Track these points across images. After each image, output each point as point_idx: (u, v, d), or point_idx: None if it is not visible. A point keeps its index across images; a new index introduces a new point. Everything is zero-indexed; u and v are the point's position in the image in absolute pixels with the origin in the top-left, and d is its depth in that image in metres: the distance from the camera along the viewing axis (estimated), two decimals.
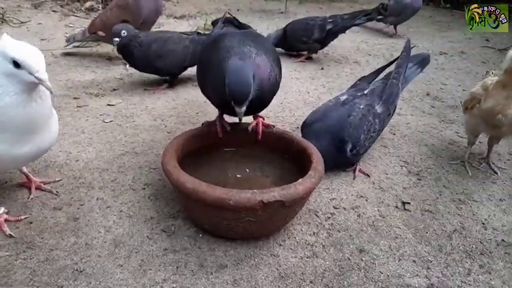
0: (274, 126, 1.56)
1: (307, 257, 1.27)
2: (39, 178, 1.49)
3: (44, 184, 1.47)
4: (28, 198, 1.40)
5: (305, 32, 3.04)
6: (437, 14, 5.50)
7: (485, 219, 1.52)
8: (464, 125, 1.88)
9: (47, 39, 3.05)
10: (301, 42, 3.10)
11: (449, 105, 2.55)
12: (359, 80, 2.05)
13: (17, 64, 1.04)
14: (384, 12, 3.98)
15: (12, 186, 1.47)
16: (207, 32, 2.96)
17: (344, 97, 1.83)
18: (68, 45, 2.75)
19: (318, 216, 1.46)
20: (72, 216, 1.35)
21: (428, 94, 2.69)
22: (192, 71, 2.58)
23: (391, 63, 2.06)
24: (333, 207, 1.52)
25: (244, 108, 1.22)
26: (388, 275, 1.23)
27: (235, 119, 1.39)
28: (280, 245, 1.31)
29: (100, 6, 3.81)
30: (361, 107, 1.73)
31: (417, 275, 1.24)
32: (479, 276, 1.26)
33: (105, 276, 1.13)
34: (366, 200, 1.58)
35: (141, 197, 1.48)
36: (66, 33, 3.16)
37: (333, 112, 1.73)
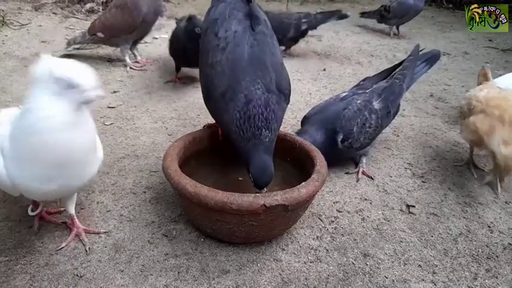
0: None
1: (310, 262, 1.25)
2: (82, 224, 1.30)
3: (87, 232, 1.28)
4: (59, 248, 1.21)
5: (280, 30, 2.98)
6: (440, 15, 5.48)
7: (491, 222, 1.50)
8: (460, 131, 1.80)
9: (47, 41, 3.04)
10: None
11: (453, 106, 2.52)
12: (363, 80, 2.03)
13: (66, 84, 0.95)
14: (386, 14, 3.96)
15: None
16: None
17: (344, 94, 1.84)
18: (68, 48, 2.73)
19: (321, 219, 1.44)
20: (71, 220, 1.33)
21: (431, 95, 2.67)
22: (193, 72, 2.57)
23: (397, 66, 2.03)
24: (337, 210, 1.49)
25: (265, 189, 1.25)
26: (393, 280, 1.21)
27: None
28: (283, 249, 1.29)
29: (100, 8, 3.80)
30: (358, 101, 1.73)
31: (423, 280, 1.21)
32: (486, 280, 1.23)
33: (106, 281, 1.11)
34: (370, 203, 1.55)
35: (142, 201, 1.46)
36: (67, 35, 3.15)
37: (331, 106, 1.77)
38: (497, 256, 1.33)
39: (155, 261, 1.19)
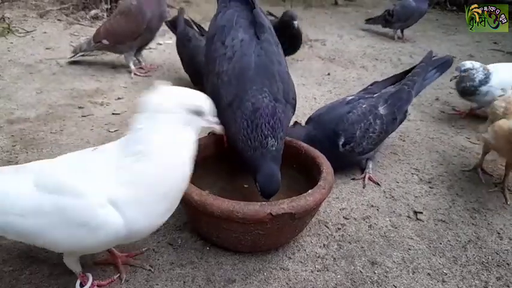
0: None
1: (317, 271, 1.23)
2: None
3: (130, 257, 1.21)
4: (121, 280, 1.14)
5: None
6: (444, 17, 5.45)
7: (501, 229, 1.47)
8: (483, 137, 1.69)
9: (52, 48, 3.05)
10: None
11: (459, 109, 2.50)
12: (371, 84, 2.01)
13: (195, 112, 0.93)
14: (390, 18, 3.95)
15: None
16: None
17: (351, 97, 1.82)
18: (74, 56, 2.74)
19: (328, 227, 1.42)
20: None
21: (437, 99, 2.65)
22: None
23: (407, 72, 1.99)
24: (343, 217, 1.48)
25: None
26: None
27: None
28: (290, 258, 1.27)
29: (105, 14, 3.81)
30: (364, 106, 1.71)
31: None
32: None
33: None
34: (377, 209, 1.54)
35: None
36: (71, 41, 3.16)
37: (335, 108, 1.76)
38: (507, 264, 1.31)
39: (160, 271, 1.18)
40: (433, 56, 2.05)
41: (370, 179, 1.71)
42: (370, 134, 1.68)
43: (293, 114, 1.39)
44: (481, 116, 2.30)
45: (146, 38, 2.63)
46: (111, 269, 1.18)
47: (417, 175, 1.79)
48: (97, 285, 1.10)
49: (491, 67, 2.19)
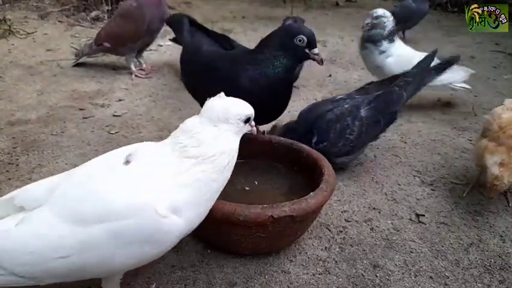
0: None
1: (319, 274, 1.22)
2: None
3: None
4: None
5: None
6: (445, 19, 5.45)
7: (503, 232, 1.46)
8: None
9: (53, 49, 3.05)
10: None
11: (461, 111, 2.49)
12: (368, 84, 1.97)
13: (246, 121, 1.03)
14: None
15: None
16: None
17: (340, 96, 1.81)
18: (77, 60, 2.75)
19: (329, 230, 1.41)
20: None
21: (439, 100, 2.64)
22: None
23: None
24: (345, 220, 1.47)
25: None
26: None
27: None
28: (291, 260, 1.27)
29: (105, 15, 3.81)
30: (346, 106, 1.70)
31: None
32: None
33: None
34: (379, 212, 1.53)
35: None
36: (72, 43, 3.17)
37: (319, 106, 1.77)
38: (510, 266, 1.30)
39: (161, 274, 1.18)
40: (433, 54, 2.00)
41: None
42: (347, 136, 1.65)
43: None
44: None
45: (147, 40, 2.63)
46: None
47: (419, 177, 1.78)
48: None
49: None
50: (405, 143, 2.09)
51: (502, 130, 1.51)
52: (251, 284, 1.17)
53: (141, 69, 2.76)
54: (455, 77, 2.41)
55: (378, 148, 2.00)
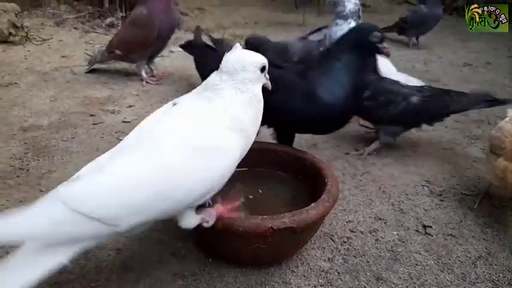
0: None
1: (321, 285, 1.21)
2: None
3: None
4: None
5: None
6: (460, 24, 5.34)
7: None
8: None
9: (67, 56, 3.11)
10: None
11: (473, 119, 2.44)
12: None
13: (262, 69, 1.10)
14: (404, 25, 3.91)
15: None
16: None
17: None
18: (90, 67, 2.80)
19: (333, 240, 1.40)
20: None
21: None
22: None
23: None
24: (350, 230, 1.45)
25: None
26: None
27: None
28: (293, 271, 1.26)
29: (120, 22, 3.87)
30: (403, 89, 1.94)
31: None
32: None
33: None
34: (385, 222, 1.51)
35: None
36: (86, 49, 3.23)
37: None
38: None
39: (162, 282, 1.18)
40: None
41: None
42: (390, 108, 1.86)
43: None
44: None
45: (158, 47, 2.67)
46: None
47: (428, 187, 1.75)
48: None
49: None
50: (415, 152, 2.05)
51: None
52: None
53: (152, 76, 2.79)
54: None
55: (386, 157, 1.98)
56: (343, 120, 1.57)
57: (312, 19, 5.11)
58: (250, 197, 1.47)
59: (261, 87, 1.10)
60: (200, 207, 1.08)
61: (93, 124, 2.14)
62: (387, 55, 1.63)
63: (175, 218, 1.06)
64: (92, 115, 2.23)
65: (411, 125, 1.97)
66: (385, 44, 1.55)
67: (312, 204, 1.16)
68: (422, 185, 1.76)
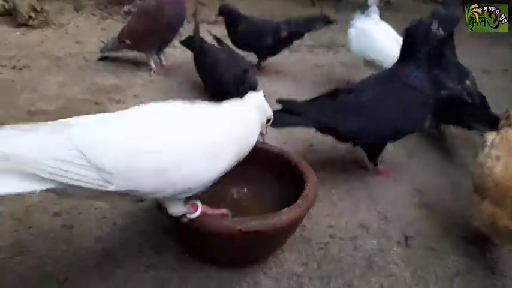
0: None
1: None
2: None
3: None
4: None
5: (256, 36, 2.77)
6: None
7: (495, 263, 1.41)
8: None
9: (82, 42, 3.18)
10: (251, 46, 2.88)
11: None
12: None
13: (268, 119, 1.27)
14: None
15: None
16: None
17: None
18: (102, 55, 2.87)
19: (310, 245, 1.41)
20: (68, 223, 1.40)
21: None
22: None
23: None
24: (329, 236, 1.46)
25: None
26: None
27: None
28: (266, 273, 1.28)
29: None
30: None
31: None
32: None
33: (86, 287, 1.16)
34: (367, 231, 1.51)
35: (138, 209, 1.49)
36: (101, 36, 3.29)
37: None
38: None
39: (135, 272, 1.22)
40: None
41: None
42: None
43: None
44: None
45: (167, 37, 2.70)
46: None
47: (419, 197, 1.73)
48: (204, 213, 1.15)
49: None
50: (411, 159, 2.03)
51: (498, 187, 1.27)
52: None
53: (161, 66, 2.83)
54: None
55: (382, 162, 1.96)
56: None
57: (330, 14, 5.03)
58: (235, 196, 1.50)
59: (258, 131, 1.25)
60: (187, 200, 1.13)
61: (98, 113, 2.18)
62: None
63: (163, 203, 1.11)
64: (97, 103, 2.29)
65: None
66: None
67: (285, 209, 1.18)
68: (413, 195, 1.74)
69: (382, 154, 1.90)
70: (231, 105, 1.20)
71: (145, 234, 1.38)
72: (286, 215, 1.15)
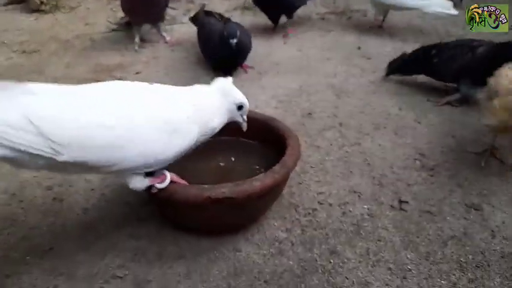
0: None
1: (271, 255, 1.21)
2: None
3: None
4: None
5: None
6: None
7: (497, 226, 1.32)
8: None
9: (90, 24, 3.22)
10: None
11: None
12: None
13: (239, 107, 1.25)
14: None
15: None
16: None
17: None
18: (113, 28, 2.96)
19: (297, 211, 1.38)
20: (58, 196, 1.43)
21: None
22: None
23: None
24: (318, 202, 1.42)
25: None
26: (353, 282, 1.13)
27: None
28: (247, 239, 1.26)
29: None
30: None
31: (387, 285, 1.12)
32: None
33: (68, 257, 1.19)
34: (359, 196, 1.45)
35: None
36: (109, 17, 3.31)
37: None
38: (489, 265, 1.18)
39: (117, 241, 1.24)
40: None
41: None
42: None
43: None
44: None
45: (149, 14, 2.69)
46: None
47: (420, 161, 1.64)
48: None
49: None
50: (419, 123, 1.92)
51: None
52: (199, 259, 1.19)
53: (165, 43, 2.83)
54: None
55: (385, 127, 1.88)
56: None
57: None
58: (221, 164, 1.48)
59: (226, 119, 1.24)
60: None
61: None
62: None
63: (123, 179, 1.12)
64: (99, 81, 2.31)
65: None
66: None
67: (259, 175, 1.14)
68: (415, 159, 1.66)
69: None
70: (193, 88, 1.21)
71: (130, 205, 1.39)
72: (260, 181, 1.12)
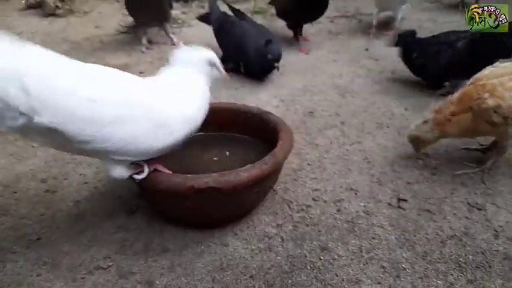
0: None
1: (259, 250, 1.17)
2: None
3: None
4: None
5: None
6: None
7: (500, 226, 1.25)
8: None
9: (101, 27, 3.27)
10: None
11: None
12: None
13: (211, 64, 1.22)
14: None
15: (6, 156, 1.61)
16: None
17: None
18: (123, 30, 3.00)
19: (290, 207, 1.33)
20: (52, 189, 1.43)
21: None
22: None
23: None
24: (312, 199, 1.37)
25: None
26: (343, 279, 1.08)
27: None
28: (236, 234, 1.23)
29: None
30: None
31: (379, 283, 1.06)
32: None
33: (54, 247, 1.18)
34: (355, 193, 1.40)
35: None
36: (121, 20, 3.36)
37: None
38: (490, 266, 1.11)
39: (105, 233, 1.23)
40: None
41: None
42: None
43: None
44: None
45: (152, 14, 2.71)
46: None
47: (423, 160, 1.58)
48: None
49: None
50: None
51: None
52: (185, 252, 1.16)
53: (172, 44, 2.84)
54: None
55: (388, 127, 1.82)
56: None
57: None
58: (215, 158, 1.45)
59: (208, 80, 1.20)
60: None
61: None
62: None
63: (105, 165, 1.11)
64: None
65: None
66: None
67: (246, 166, 1.11)
68: (418, 157, 1.60)
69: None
70: (176, 73, 1.18)
71: (121, 199, 1.38)
72: (246, 172, 1.09)
